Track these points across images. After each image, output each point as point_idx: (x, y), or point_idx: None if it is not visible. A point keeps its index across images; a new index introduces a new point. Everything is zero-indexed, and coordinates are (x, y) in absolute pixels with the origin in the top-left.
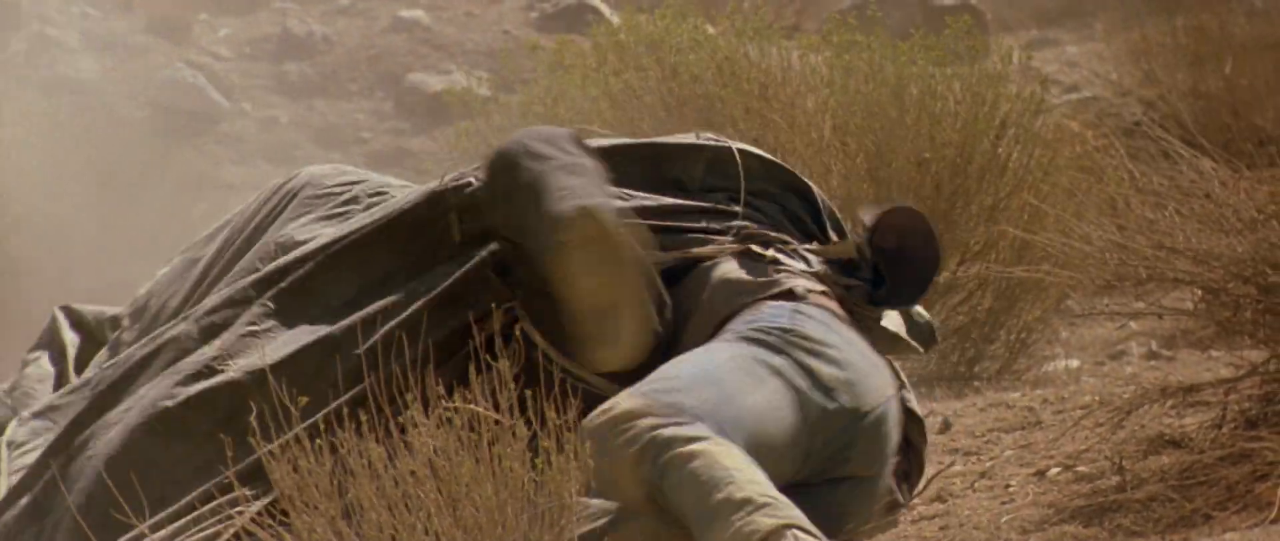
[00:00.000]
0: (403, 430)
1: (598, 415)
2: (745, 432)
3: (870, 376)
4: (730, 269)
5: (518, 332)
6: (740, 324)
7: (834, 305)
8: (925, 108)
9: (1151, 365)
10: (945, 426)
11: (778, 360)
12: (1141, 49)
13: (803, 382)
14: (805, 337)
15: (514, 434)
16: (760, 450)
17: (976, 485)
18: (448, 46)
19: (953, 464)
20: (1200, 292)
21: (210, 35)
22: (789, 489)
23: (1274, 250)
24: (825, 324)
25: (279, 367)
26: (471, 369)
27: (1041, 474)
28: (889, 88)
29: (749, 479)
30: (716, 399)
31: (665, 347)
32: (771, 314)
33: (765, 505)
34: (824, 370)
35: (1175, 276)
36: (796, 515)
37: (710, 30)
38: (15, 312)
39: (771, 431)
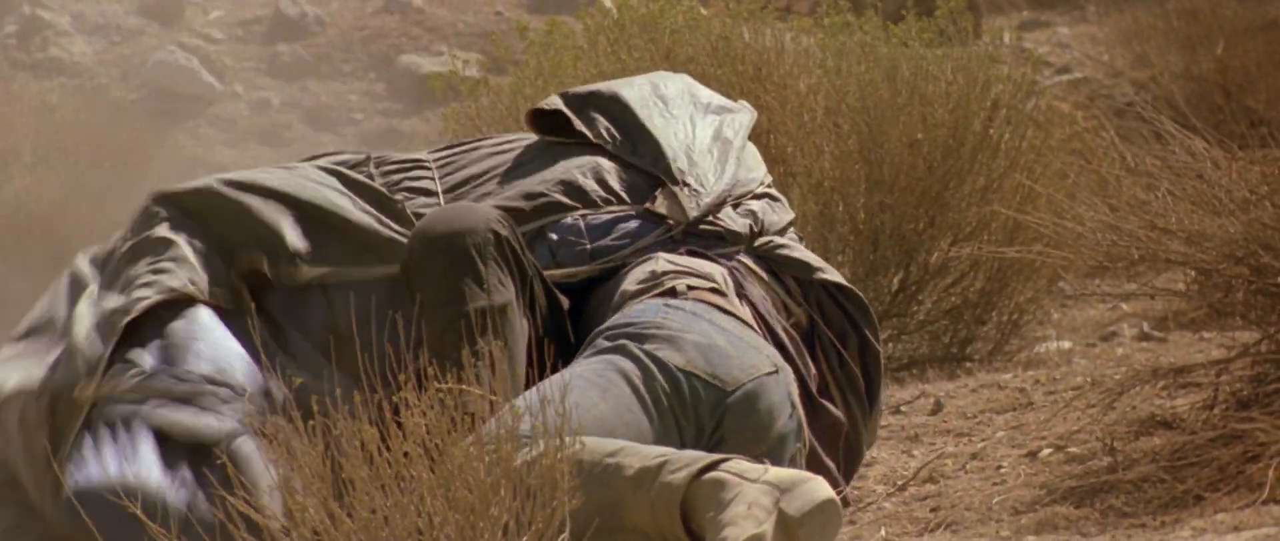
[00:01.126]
0: (395, 411)
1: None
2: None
3: (736, 357)
4: (635, 272)
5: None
6: (607, 325)
7: (720, 299)
8: (917, 89)
9: (1143, 346)
10: (937, 407)
11: (625, 362)
12: (1133, 31)
13: (654, 374)
14: (664, 328)
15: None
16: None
17: (968, 466)
18: (440, 28)
19: (945, 445)
20: (1192, 274)
21: (202, 17)
22: None
23: (1266, 231)
24: (694, 315)
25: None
26: (465, 352)
27: (1033, 455)
28: (881, 69)
29: (630, 451)
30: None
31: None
32: (639, 311)
33: (664, 463)
34: (676, 357)
35: (1167, 257)
36: (696, 453)
37: (703, 12)
38: (7, 293)
39: (621, 434)
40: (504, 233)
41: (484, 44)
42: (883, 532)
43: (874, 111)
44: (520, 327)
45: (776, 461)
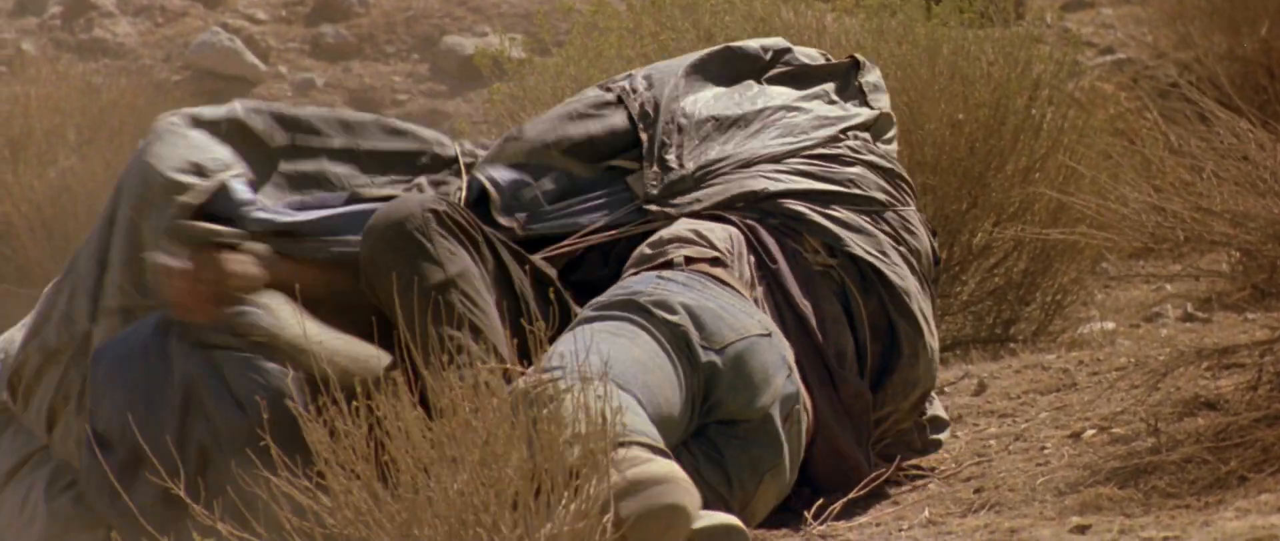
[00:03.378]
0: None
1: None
2: (639, 383)
3: (725, 318)
4: (652, 237)
5: (552, 295)
6: (604, 295)
7: (720, 270)
8: (958, 69)
9: (1187, 327)
10: (981, 388)
11: (632, 314)
12: (1177, 11)
13: (659, 324)
14: (656, 296)
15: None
16: (657, 395)
17: (1012, 447)
18: (484, 9)
19: (988, 426)
20: (1236, 254)
21: None
22: (692, 438)
23: None
24: (686, 285)
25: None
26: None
27: (1077, 436)
28: (921, 49)
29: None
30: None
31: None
32: (636, 281)
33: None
34: (671, 318)
35: (1212, 238)
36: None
37: None
38: (51, 272)
39: (657, 376)
40: (442, 208)
41: (528, 25)
42: (927, 513)
43: (915, 92)
44: (486, 290)
45: (772, 422)
